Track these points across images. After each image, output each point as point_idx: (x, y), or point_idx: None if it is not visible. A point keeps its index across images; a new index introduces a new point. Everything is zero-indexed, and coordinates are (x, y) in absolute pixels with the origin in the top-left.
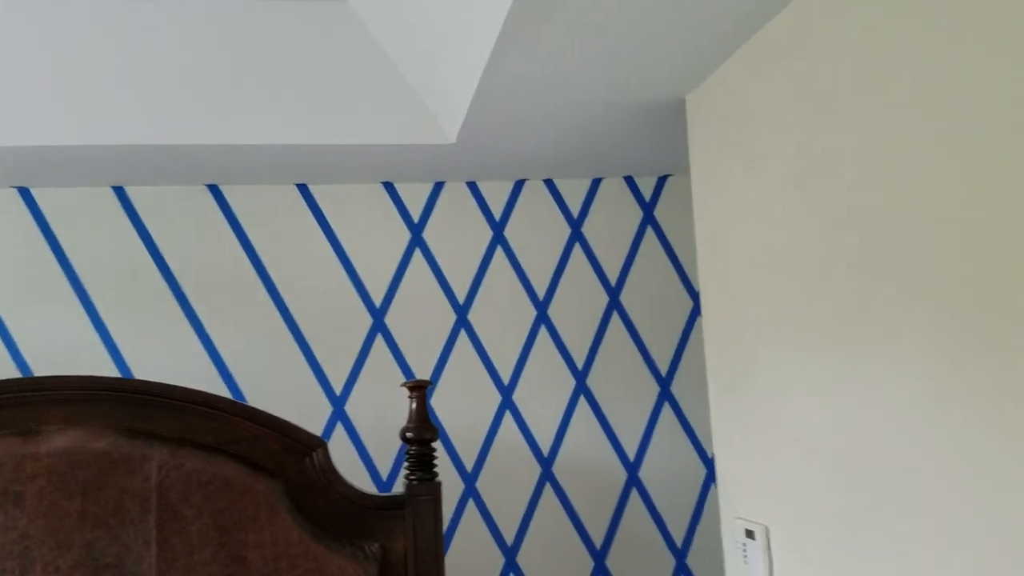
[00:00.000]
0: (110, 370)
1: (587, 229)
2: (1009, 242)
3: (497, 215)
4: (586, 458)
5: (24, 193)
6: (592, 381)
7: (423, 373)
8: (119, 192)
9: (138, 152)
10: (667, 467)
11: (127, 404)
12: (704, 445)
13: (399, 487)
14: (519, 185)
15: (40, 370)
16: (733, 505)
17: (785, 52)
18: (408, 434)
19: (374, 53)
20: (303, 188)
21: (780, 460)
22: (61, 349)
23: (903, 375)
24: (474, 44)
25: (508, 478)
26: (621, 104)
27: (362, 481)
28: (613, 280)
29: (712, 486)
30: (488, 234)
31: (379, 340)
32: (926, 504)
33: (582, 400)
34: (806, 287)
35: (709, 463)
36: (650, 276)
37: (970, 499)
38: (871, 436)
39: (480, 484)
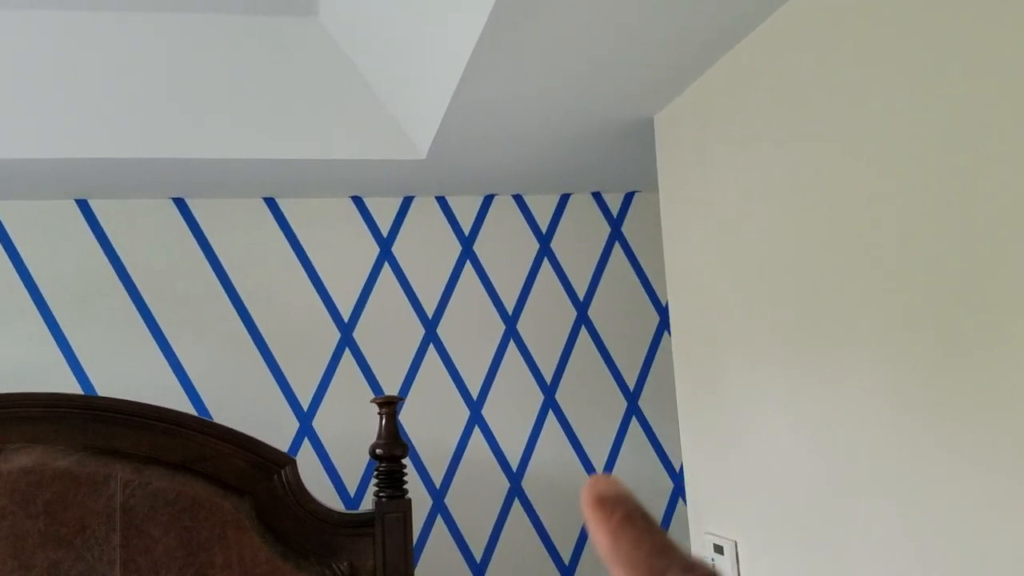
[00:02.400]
0: (73, 387)
1: (556, 244)
2: (963, 261)
3: (466, 230)
4: (555, 473)
5: None
6: (561, 396)
7: (391, 388)
8: (83, 205)
9: (103, 165)
10: (635, 481)
11: (91, 421)
12: (671, 459)
13: (367, 504)
14: (488, 200)
15: (1, 387)
16: (702, 520)
17: (753, 73)
18: (378, 451)
19: (345, 68)
20: (271, 202)
21: (748, 475)
22: (23, 365)
23: (865, 388)
24: (446, 61)
25: (477, 493)
26: (591, 122)
27: (329, 497)
28: (581, 295)
29: (679, 500)
30: (457, 249)
31: (347, 355)
32: (893, 516)
33: (551, 415)
34: (772, 302)
35: (676, 477)
36: (618, 291)
37: (935, 510)
38: (836, 449)
39: (449, 500)
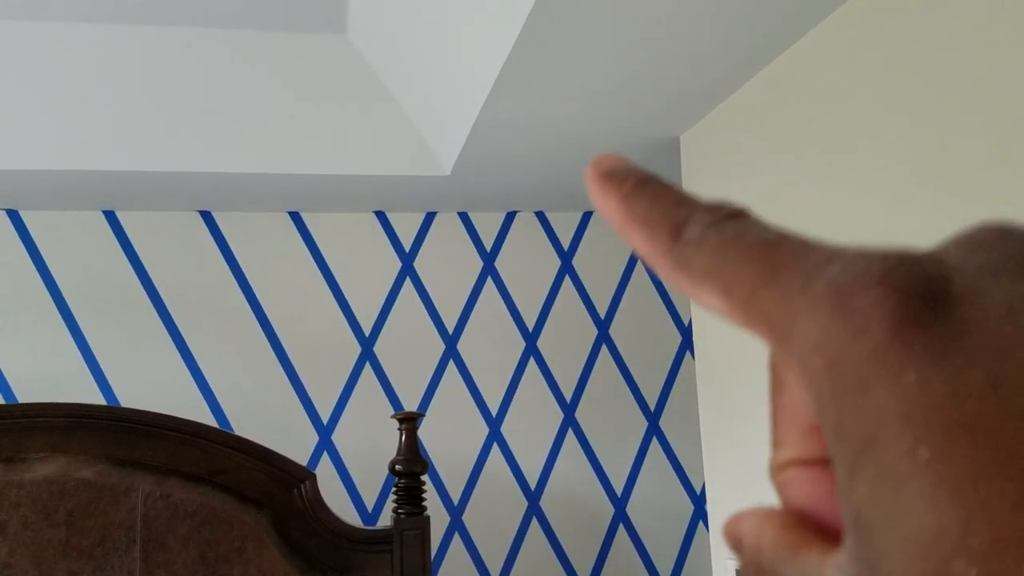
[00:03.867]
0: (97, 397)
1: (577, 262)
2: None
3: (488, 246)
4: (573, 492)
5: (13, 216)
6: (580, 414)
7: (411, 403)
8: (110, 216)
9: (130, 178)
10: (655, 503)
11: (113, 432)
12: (693, 481)
13: (385, 519)
14: (511, 217)
15: (25, 396)
16: (724, 545)
17: (781, 96)
18: (397, 467)
19: (372, 85)
20: (295, 216)
21: (772, 499)
22: (47, 375)
23: None
24: (474, 79)
25: (495, 512)
26: (616, 142)
27: (347, 512)
28: (603, 313)
29: (699, 523)
30: (479, 265)
31: (367, 369)
32: None
33: (570, 433)
34: None
35: (698, 499)
36: (639, 310)
37: None
38: None
39: (466, 517)
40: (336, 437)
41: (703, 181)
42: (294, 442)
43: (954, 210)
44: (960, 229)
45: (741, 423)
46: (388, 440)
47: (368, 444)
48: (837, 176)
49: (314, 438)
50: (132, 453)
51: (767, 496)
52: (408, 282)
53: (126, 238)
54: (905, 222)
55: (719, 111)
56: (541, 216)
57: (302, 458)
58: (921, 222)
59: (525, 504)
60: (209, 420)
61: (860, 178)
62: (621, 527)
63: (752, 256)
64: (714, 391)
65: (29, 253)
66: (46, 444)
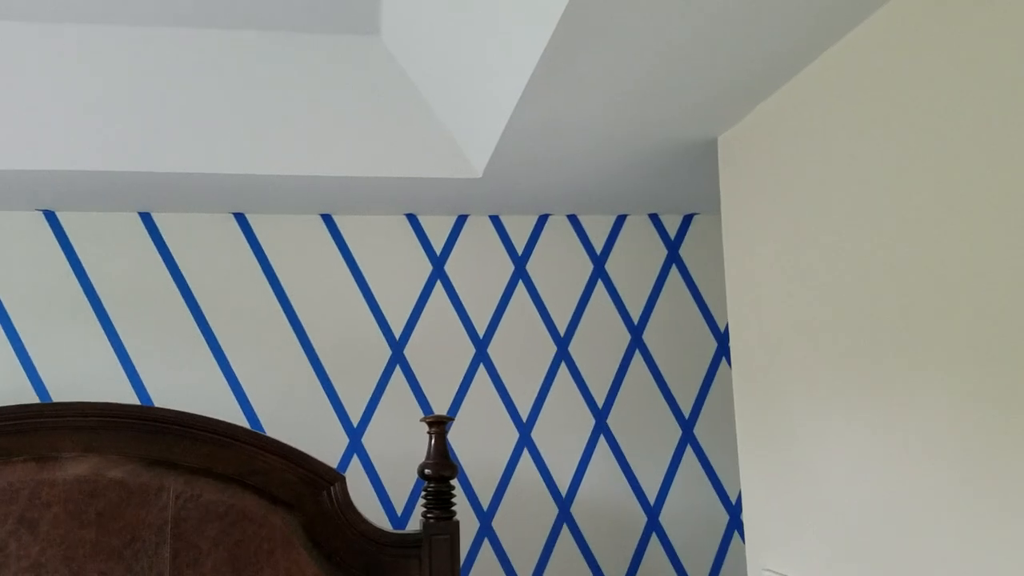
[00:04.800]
0: (130, 397)
1: (610, 266)
2: None
3: (520, 249)
4: (605, 500)
5: (50, 216)
6: (612, 421)
7: (441, 407)
8: (145, 218)
9: (166, 179)
10: (689, 512)
11: (145, 432)
12: (727, 490)
13: (414, 523)
14: (543, 220)
15: (59, 396)
16: (760, 555)
17: (824, 95)
18: (427, 471)
19: (404, 87)
20: (327, 218)
21: (809, 509)
22: (81, 375)
23: (932, 424)
24: (506, 82)
25: (525, 518)
26: (650, 143)
27: (376, 515)
28: (636, 318)
29: (735, 533)
30: (510, 268)
31: (397, 372)
32: (957, 560)
33: (602, 440)
34: (837, 331)
35: (732, 509)
36: (674, 316)
37: (1002, 556)
38: (900, 487)
39: (496, 523)
40: (366, 440)
41: (741, 184)
42: (324, 444)
43: (1008, 213)
44: None
45: (778, 431)
46: (418, 444)
47: (398, 447)
48: (880, 179)
49: (344, 440)
50: (164, 453)
51: (803, 506)
52: (439, 285)
53: (161, 239)
54: (955, 226)
55: (759, 111)
56: (573, 219)
57: (332, 460)
58: (972, 226)
59: (556, 511)
60: (241, 421)
61: (907, 180)
62: (654, 536)
63: None
64: (751, 399)
65: (65, 254)
66: (78, 443)
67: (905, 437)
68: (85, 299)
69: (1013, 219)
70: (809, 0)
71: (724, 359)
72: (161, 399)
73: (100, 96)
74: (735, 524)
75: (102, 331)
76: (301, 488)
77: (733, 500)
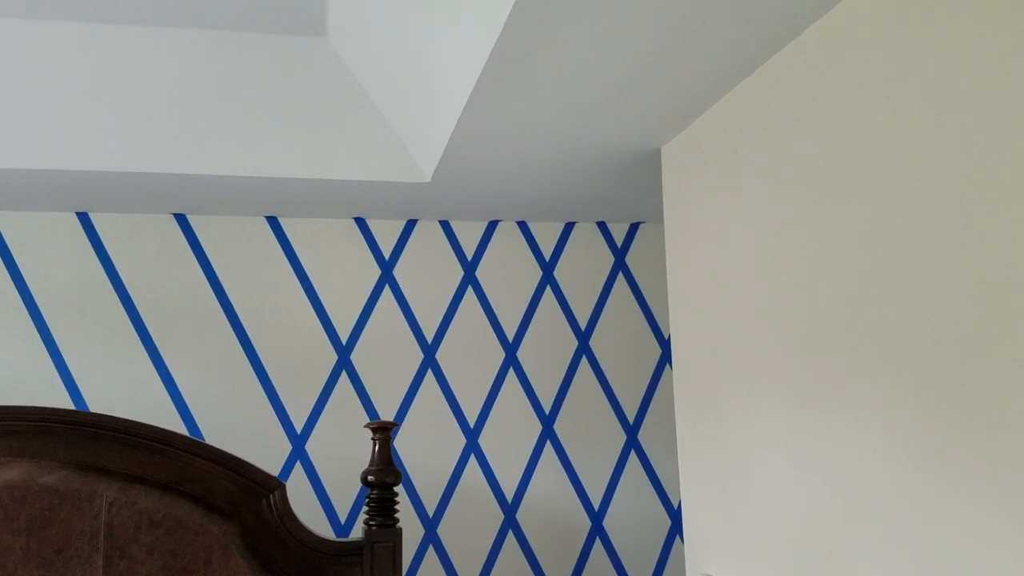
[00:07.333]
0: (65, 402)
1: (559, 273)
2: (971, 294)
3: (469, 255)
4: (550, 505)
5: None
6: (559, 427)
7: (388, 413)
8: (83, 218)
9: (104, 178)
10: (632, 517)
11: (79, 437)
12: (670, 496)
13: (358, 531)
14: (492, 226)
15: None
16: (699, 559)
17: (762, 107)
18: (370, 477)
19: (352, 89)
20: (273, 221)
21: (749, 513)
22: (14, 379)
23: (868, 423)
24: (454, 85)
25: (470, 524)
26: (598, 152)
27: (319, 523)
28: (583, 325)
29: (677, 537)
30: (459, 274)
31: (344, 378)
32: (897, 554)
33: (548, 446)
34: (776, 337)
35: (674, 514)
36: (620, 322)
37: (939, 546)
38: (839, 486)
39: (441, 530)
40: (310, 447)
41: (683, 193)
42: (267, 451)
43: (939, 215)
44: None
45: (718, 437)
46: (363, 450)
47: (343, 454)
48: (818, 187)
49: (287, 447)
50: (97, 459)
51: (743, 511)
52: (387, 290)
53: (99, 240)
54: (888, 231)
55: (700, 123)
56: (523, 226)
57: (275, 467)
58: (904, 230)
59: (501, 517)
60: (180, 428)
61: (841, 188)
62: (598, 541)
63: None
64: (691, 405)
65: (0, 254)
66: (9, 449)
67: (843, 438)
68: (20, 301)
69: (945, 222)
70: (747, 16)
71: (668, 366)
72: (97, 405)
73: (36, 93)
74: (677, 529)
75: (36, 334)
76: (239, 496)
77: (675, 505)
